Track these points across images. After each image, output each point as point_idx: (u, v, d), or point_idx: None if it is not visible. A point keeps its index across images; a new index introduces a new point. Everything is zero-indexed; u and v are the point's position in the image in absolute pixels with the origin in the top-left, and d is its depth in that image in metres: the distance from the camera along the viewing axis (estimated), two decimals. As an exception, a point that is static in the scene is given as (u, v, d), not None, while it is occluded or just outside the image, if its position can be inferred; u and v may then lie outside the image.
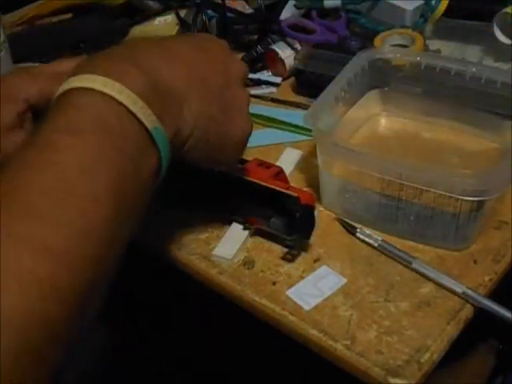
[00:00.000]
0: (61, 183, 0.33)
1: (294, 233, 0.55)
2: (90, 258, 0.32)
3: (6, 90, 0.50)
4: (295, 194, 0.53)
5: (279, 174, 0.57)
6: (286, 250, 0.57)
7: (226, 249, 0.57)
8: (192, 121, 0.42)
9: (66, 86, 0.37)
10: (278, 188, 0.54)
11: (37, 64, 0.82)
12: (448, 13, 0.80)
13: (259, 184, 0.55)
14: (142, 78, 0.38)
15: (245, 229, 0.58)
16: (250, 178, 0.56)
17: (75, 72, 0.38)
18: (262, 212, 0.57)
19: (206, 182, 0.56)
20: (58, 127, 0.35)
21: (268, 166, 0.58)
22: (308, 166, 0.66)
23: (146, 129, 0.37)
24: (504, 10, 0.75)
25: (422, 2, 0.82)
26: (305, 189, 0.62)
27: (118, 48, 0.42)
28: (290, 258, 0.56)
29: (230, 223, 0.59)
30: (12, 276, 0.29)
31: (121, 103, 0.36)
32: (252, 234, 0.59)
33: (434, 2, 0.80)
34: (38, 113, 0.51)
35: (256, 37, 0.87)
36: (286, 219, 0.55)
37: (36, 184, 0.32)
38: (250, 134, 0.50)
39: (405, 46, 0.77)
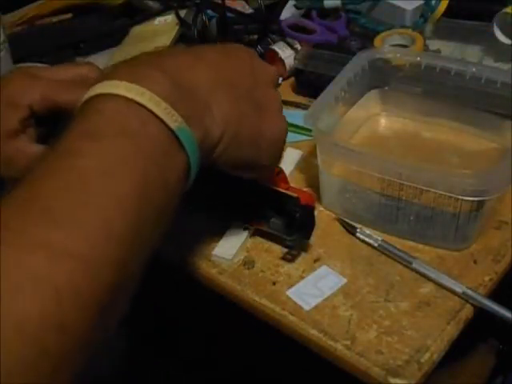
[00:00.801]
0: (82, 186, 0.32)
1: (294, 233, 0.55)
2: (111, 261, 0.32)
3: (8, 96, 0.49)
4: (295, 195, 0.53)
5: (279, 174, 0.57)
6: (286, 250, 0.57)
7: (226, 249, 0.57)
8: (222, 122, 0.42)
9: (90, 93, 0.37)
10: (278, 188, 0.54)
11: (37, 64, 0.82)
12: (448, 13, 0.81)
13: (259, 184, 0.55)
14: (165, 80, 0.38)
15: (245, 229, 0.58)
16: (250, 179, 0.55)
17: (100, 79, 0.38)
18: (262, 212, 0.57)
19: (206, 183, 0.56)
20: (80, 133, 0.35)
21: (268, 166, 0.58)
22: (308, 166, 0.66)
23: (172, 130, 0.37)
24: (504, 10, 0.75)
25: (422, 1, 0.82)
26: (305, 189, 0.62)
27: (142, 55, 0.42)
28: (289, 258, 0.56)
29: (230, 223, 0.59)
30: (26, 280, 0.28)
31: (143, 106, 0.36)
32: (252, 234, 0.59)
33: (434, 2, 0.80)
34: (41, 118, 0.51)
35: (256, 37, 0.86)
36: (286, 219, 0.55)
37: (56, 189, 0.32)
38: (286, 133, 0.49)
39: (405, 46, 0.77)
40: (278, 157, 0.50)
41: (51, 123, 0.51)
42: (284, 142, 0.49)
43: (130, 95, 0.36)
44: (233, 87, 0.44)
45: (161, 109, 0.36)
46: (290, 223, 0.55)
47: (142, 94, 0.36)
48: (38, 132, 0.51)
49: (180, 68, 0.41)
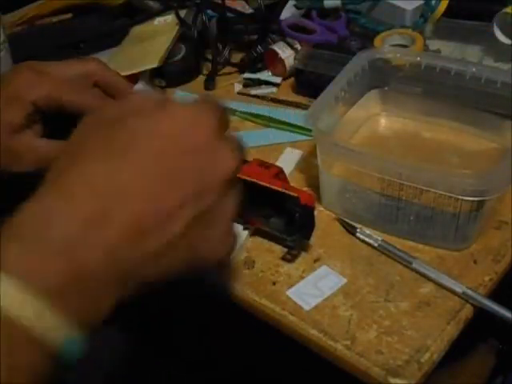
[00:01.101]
0: None
1: (294, 233, 0.55)
2: None
3: (14, 91, 0.50)
4: (295, 195, 0.53)
5: (279, 174, 0.57)
6: (285, 250, 0.57)
7: (226, 249, 0.57)
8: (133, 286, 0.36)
9: None
10: (277, 188, 0.54)
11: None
12: (448, 13, 0.81)
13: (259, 184, 0.55)
14: (57, 261, 0.31)
15: (245, 229, 0.58)
16: (250, 179, 0.56)
17: None
18: (262, 212, 0.57)
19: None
20: None
21: (268, 166, 0.58)
22: (308, 166, 0.66)
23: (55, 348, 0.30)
24: (504, 10, 0.75)
25: (422, 1, 0.82)
26: (305, 189, 0.62)
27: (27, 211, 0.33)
28: (289, 258, 0.56)
29: (230, 223, 0.59)
30: None
31: (21, 325, 0.28)
32: (252, 234, 0.59)
33: (434, 2, 0.80)
34: (48, 114, 0.51)
35: (256, 37, 0.87)
36: (286, 219, 0.55)
37: None
38: (232, 249, 0.40)
39: (405, 46, 0.77)
40: (224, 263, 0.45)
41: (57, 119, 0.51)
42: (229, 255, 0.40)
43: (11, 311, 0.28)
44: (160, 209, 0.34)
45: (42, 324, 0.29)
46: (289, 223, 0.55)
47: (22, 307, 0.29)
48: (44, 127, 0.52)
49: (77, 233, 0.32)
